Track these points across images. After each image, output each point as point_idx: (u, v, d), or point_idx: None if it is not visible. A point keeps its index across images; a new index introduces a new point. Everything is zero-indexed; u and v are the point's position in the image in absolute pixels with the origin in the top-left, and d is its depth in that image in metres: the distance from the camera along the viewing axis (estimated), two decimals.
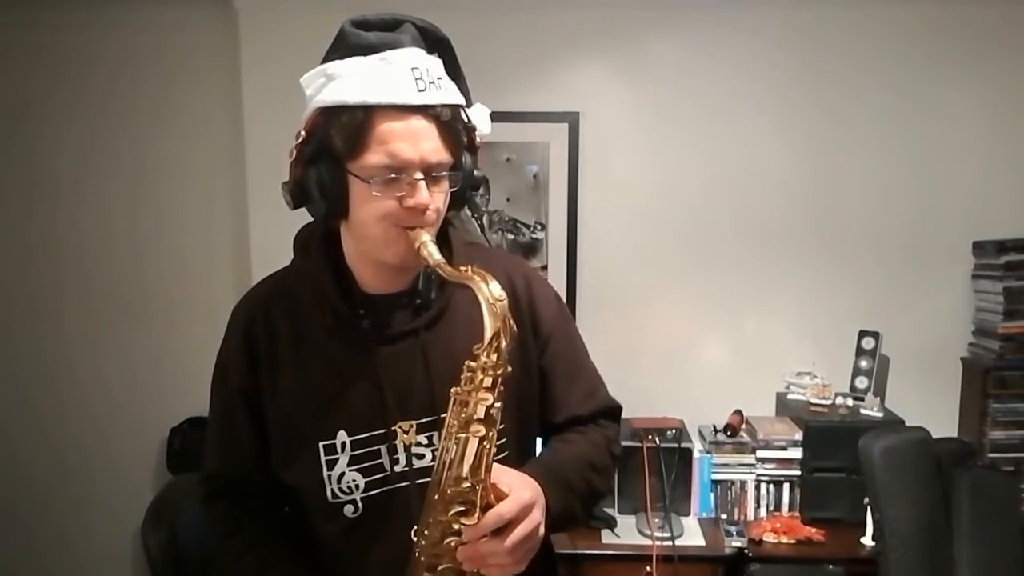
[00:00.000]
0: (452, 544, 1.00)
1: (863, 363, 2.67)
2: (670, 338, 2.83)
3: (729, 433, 2.61)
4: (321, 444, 1.10)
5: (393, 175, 1.01)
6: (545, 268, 2.78)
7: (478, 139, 1.13)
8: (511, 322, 1.00)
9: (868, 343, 2.67)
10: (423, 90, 1.01)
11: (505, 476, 1.01)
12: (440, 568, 1.02)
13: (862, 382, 2.66)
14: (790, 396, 2.75)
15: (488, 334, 0.98)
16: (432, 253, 1.02)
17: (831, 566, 2.33)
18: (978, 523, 2.04)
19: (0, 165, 2.88)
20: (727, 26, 2.71)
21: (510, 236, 2.77)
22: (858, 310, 2.77)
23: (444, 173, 1.05)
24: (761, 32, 2.71)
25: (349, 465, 1.11)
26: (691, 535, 2.45)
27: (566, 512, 1.10)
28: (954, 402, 2.75)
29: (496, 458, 1.03)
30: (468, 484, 0.97)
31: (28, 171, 2.88)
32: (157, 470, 2.88)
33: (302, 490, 1.14)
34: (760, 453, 2.57)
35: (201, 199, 2.88)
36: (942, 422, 2.66)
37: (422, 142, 1.02)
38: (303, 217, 2.80)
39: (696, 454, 2.55)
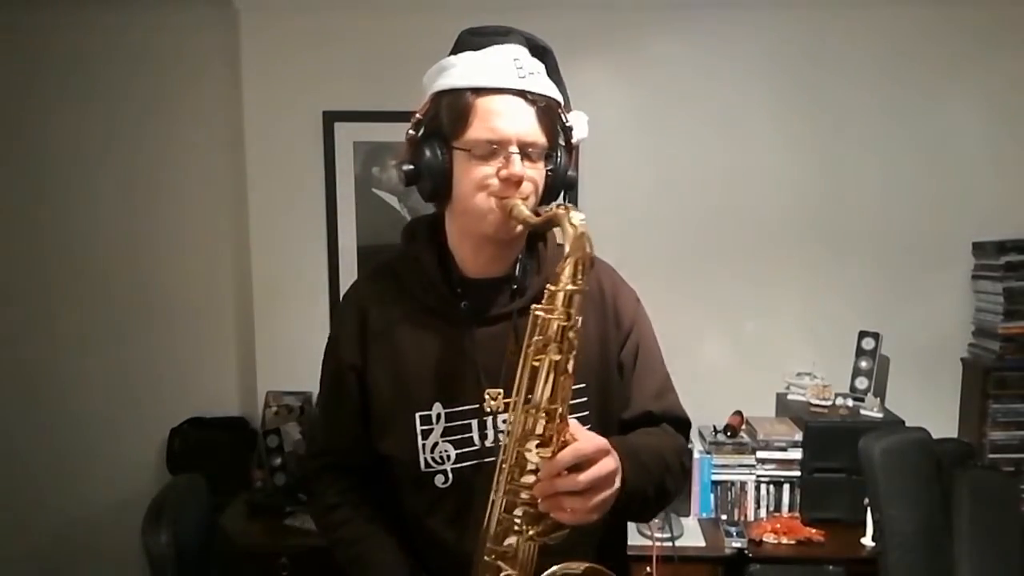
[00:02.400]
0: (530, 481, 1.05)
1: (863, 363, 2.67)
2: (670, 338, 2.81)
3: (729, 434, 2.61)
4: (417, 415, 1.18)
5: (492, 147, 1.11)
6: None
7: (575, 140, 1.22)
8: (591, 248, 1.04)
9: (868, 343, 2.67)
10: (523, 78, 1.12)
11: (582, 431, 1.06)
12: (517, 508, 1.07)
13: (862, 382, 2.66)
14: (790, 396, 2.75)
15: (567, 250, 1.03)
16: (523, 211, 1.10)
17: (831, 567, 2.33)
18: (978, 523, 2.04)
19: (0, 165, 2.88)
20: (727, 26, 2.72)
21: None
22: (858, 310, 2.77)
23: (539, 152, 1.14)
24: (761, 32, 2.71)
25: (443, 436, 1.18)
26: (691, 536, 2.45)
27: (639, 491, 1.12)
28: (954, 402, 2.76)
29: (577, 416, 1.12)
30: (545, 413, 1.03)
31: (28, 171, 2.88)
32: (157, 470, 2.88)
33: (396, 460, 1.23)
34: (760, 454, 2.57)
35: (201, 199, 2.88)
36: (942, 422, 2.66)
37: (519, 120, 1.12)
38: (302, 215, 2.82)
39: (696, 455, 2.55)
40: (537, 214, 1.14)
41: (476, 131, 1.12)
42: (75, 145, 2.86)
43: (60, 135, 2.85)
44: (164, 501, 1.78)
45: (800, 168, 2.76)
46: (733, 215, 2.78)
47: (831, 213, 2.77)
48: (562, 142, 1.20)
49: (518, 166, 1.11)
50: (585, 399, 1.21)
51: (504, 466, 1.08)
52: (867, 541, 2.37)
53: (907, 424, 2.47)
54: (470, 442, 1.19)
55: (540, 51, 1.22)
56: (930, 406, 2.69)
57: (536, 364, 1.05)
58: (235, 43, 2.74)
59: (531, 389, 1.05)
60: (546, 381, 1.04)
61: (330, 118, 2.75)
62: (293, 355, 2.75)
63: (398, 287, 1.24)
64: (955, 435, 2.69)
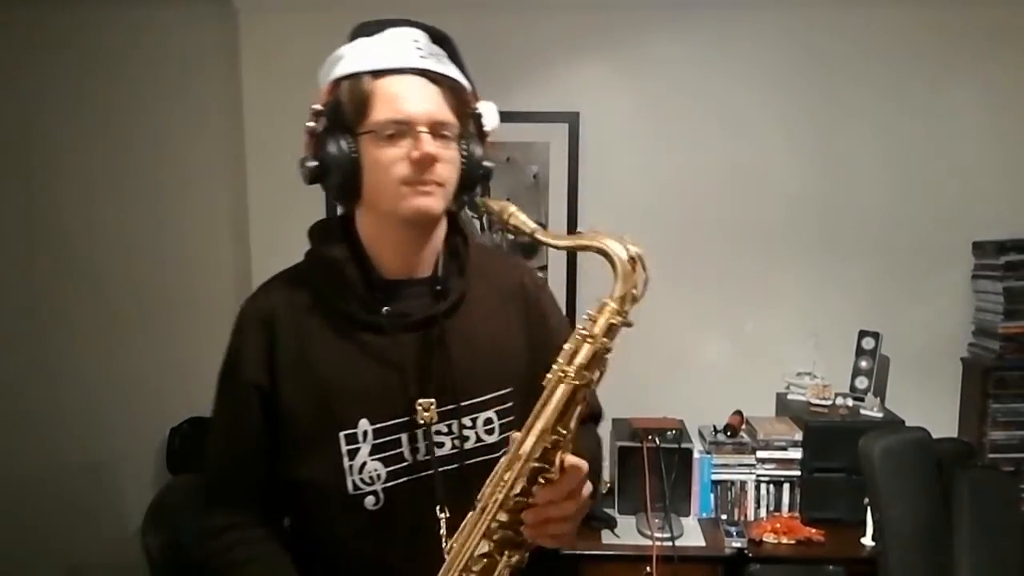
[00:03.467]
0: (518, 505, 0.99)
1: (863, 363, 2.67)
2: (670, 338, 2.83)
3: (729, 433, 2.61)
4: (342, 434, 1.09)
5: (399, 127, 1.05)
6: (545, 268, 2.78)
7: (487, 129, 1.17)
8: (644, 280, 1.05)
9: (868, 343, 2.67)
10: (424, 57, 1.07)
11: (570, 456, 1.01)
12: (497, 535, 1.01)
13: (862, 382, 2.66)
14: (790, 396, 2.75)
15: (618, 280, 1.03)
16: (526, 222, 1.05)
17: (831, 566, 2.33)
18: (978, 523, 2.04)
19: None
20: (727, 26, 2.71)
21: (510, 236, 2.76)
22: (858, 310, 2.77)
23: (452, 132, 1.08)
24: (762, 33, 2.71)
25: (371, 454, 1.10)
26: (691, 535, 2.45)
27: (592, 495, 1.09)
28: (954, 402, 2.76)
29: (506, 420, 1.12)
30: (557, 436, 0.97)
31: (27, 171, 2.88)
32: (157, 470, 2.88)
33: (317, 486, 1.11)
34: (760, 453, 2.57)
35: (201, 199, 2.88)
36: (942, 422, 2.66)
37: (424, 99, 1.06)
38: (302, 215, 2.80)
39: (696, 454, 2.55)
40: (464, 246, 1.14)
41: (380, 112, 1.05)
42: (74, 144, 2.85)
43: (59, 134, 2.85)
44: (164, 501, 1.78)
45: (800, 168, 2.76)
46: (733, 215, 2.78)
47: (831, 213, 2.77)
48: (473, 130, 1.14)
49: (429, 144, 1.04)
50: (511, 404, 1.16)
51: (498, 492, 0.99)
52: (867, 541, 2.37)
53: (907, 424, 2.47)
54: (400, 458, 1.11)
55: (440, 39, 1.14)
56: (930, 406, 2.69)
57: (564, 387, 0.98)
58: (235, 42, 2.74)
59: (541, 413, 0.98)
60: (563, 405, 0.98)
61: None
62: None
63: (310, 294, 1.14)
64: (955, 435, 2.69)
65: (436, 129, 1.06)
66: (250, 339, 1.15)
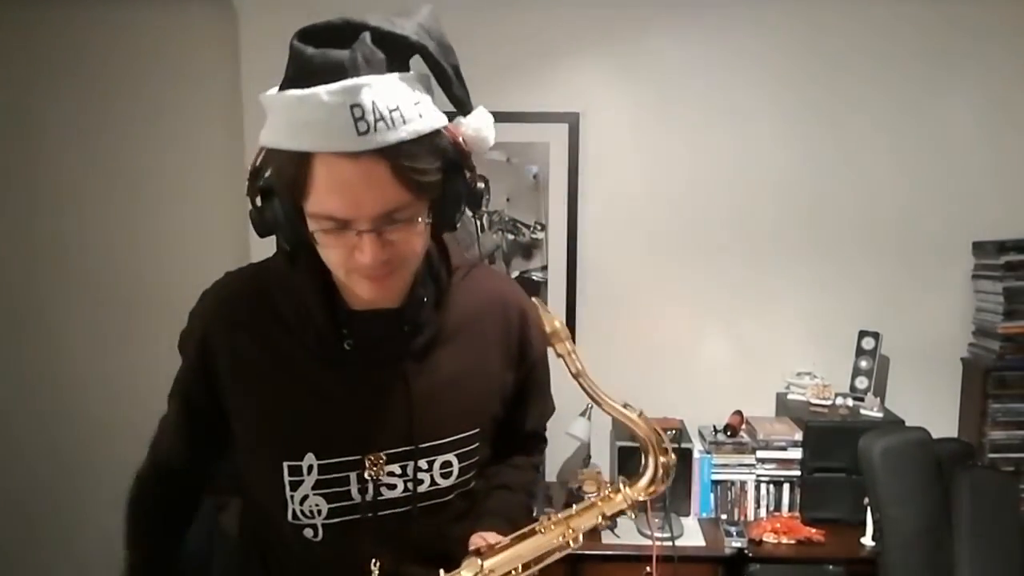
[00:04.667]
0: None
1: (863, 363, 2.67)
2: (670, 338, 2.83)
3: (729, 433, 2.61)
4: (286, 464, 1.03)
5: (338, 224, 0.90)
6: (545, 268, 2.78)
7: (473, 150, 0.99)
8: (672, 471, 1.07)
9: (868, 343, 2.67)
10: (364, 132, 0.85)
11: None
12: None
13: (862, 382, 2.66)
14: (790, 396, 2.75)
15: (650, 468, 1.07)
16: (574, 360, 1.05)
17: (831, 566, 2.33)
18: (978, 523, 2.04)
19: None
20: (726, 27, 2.71)
21: (510, 236, 2.77)
22: (858, 310, 2.77)
23: (406, 215, 0.91)
24: (762, 32, 2.71)
25: (314, 489, 1.04)
26: (691, 535, 2.46)
27: None
28: (954, 402, 2.76)
29: (467, 463, 1.11)
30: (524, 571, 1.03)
31: (27, 171, 2.88)
32: None
33: (261, 503, 1.11)
34: (760, 453, 2.57)
35: (201, 199, 2.88)
36: (942, 422, 2.67)
37: (365, 194, 0.88)
38: None
39: (696, 454, 2.55)
40: (448, 269, 1.08)
41: (315, 204, 0.89)
42: (73, 144, 2.85)
43: (58, 134, 2.85)
44: None
45: (801, 168, 2.76)
46: (733, 214, 2.78)
47: (831, 212, 2.77)
48: (446, 161, 0.95)
49: (369, 253, 0.90)
50: (476, 445, 1.11)
51: None
52: (867, 541, 2.37)
53: (907, 424, 2.47)
54: (346, 496, 1.05)
55: (405, 49, 0.91)
56: (930, 406, 2.69)
57: (551, 538, 1.04)
58: (235, 42, 2.74)
59: (518, 543, 1.04)
60: (541, 556, 1.03)
61: None
62: None
63: (266, 315, 1.04)
64: (955, 435, 2.69)
65: (384, 221, 0.90)
66: (190, 357, 1.12)
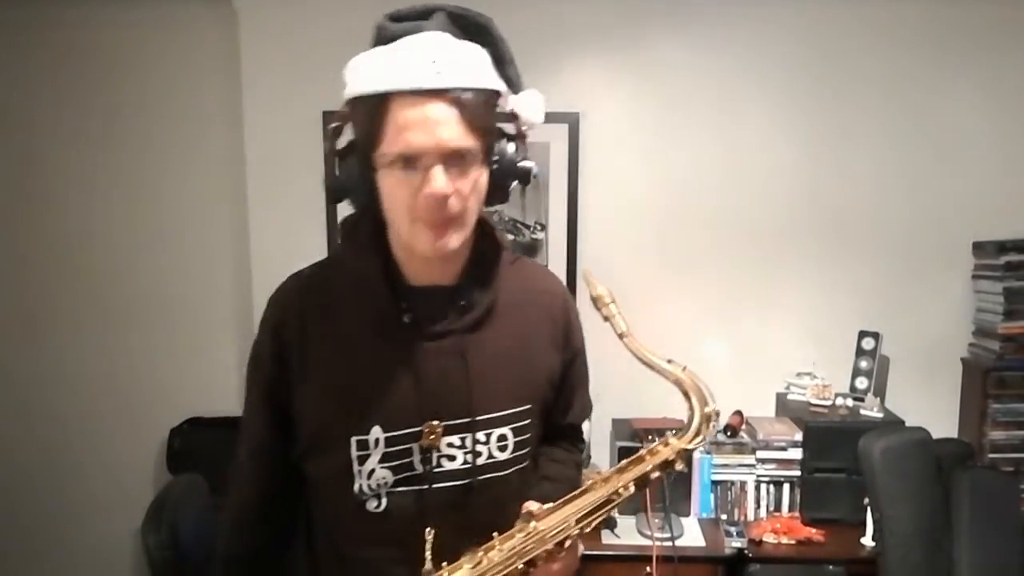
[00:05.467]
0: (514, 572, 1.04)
1: (863, 363, 2.67)
2: (670, 338, 2.81)
3: (729, 433, 2.61)
4: (354, 439, 1.08)
5: (409, 161, 0.98)
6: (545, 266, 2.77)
7: (524, 127, 1.11)
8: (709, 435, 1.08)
9: (868, 343, 2.67)
10: (440, 72, 0.97)
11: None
12: None
13: (862, 382, 2.66)
14: (790, 396, 2.75)
15: (695, 421, 1.06)
16: (619, 322, 1.08)
17: (831, 566, 2.33)
18: (978, 523, 2.04)
19: None
20: (727, 27, 2.71)
21: (510, 236, 2.77)
22: (858, 310, 2.77)
23: (472, 158, 1.01)
24: (762, 32, 2.71)
25: (381, 462, 1.09)
26: (691, 535, 2.45)
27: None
28: (954, 402, 2.76)
29: (521, 438, 1.14)
30: (578, 529, 1.04)
31: (26, 171, 2.88)
32: (157, 470, 2.88)
33: (325, 484, 1.14)
34: (760, 453, 2.57)
35: (201, 199, 2.88)
36: (942, 422, 2.67)
37: (438, 128, 0.97)
38: (302, 215, 2.80)
39: (696, 454, 2.55)
40: (495, 257, 1.14)
41: (388, 144, 0.99)
42: (73, 144, 2.85)
43: (58, 134, 2.85)
44: (164, 501, 1.77)
45: (801, 168, 2.76)
46: (733, 214, 2.78)
47: (831, 213, 2.77)
48: (504, 128, 1.09)
49: (438, 183, 0.98)
50: (528, 421, 1.16)
51: (503, 556, 1.04)
52: (867, 541, 2.37)
53: (907, 424, 2.47)
54: (410, 467, 1.10)
55: (474, 29, 1.06)
56: (930, 406, 2.69)
57: (601, 492, 1.05)
58: (235, 42, 2.74)
59: (572, 503, 1.05)
60: (594, 509, 1.05)
61: (330, 117, 2.75)
62: None
63: (330, 297, 1.12)
64: (955, 435, 2.69)
65: (451, 159, 0.99)
66: (265, 343, 1.14)
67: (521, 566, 1.03)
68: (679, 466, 1.06)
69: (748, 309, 2.82)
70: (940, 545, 2.03)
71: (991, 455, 2.58)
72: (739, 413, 2.67)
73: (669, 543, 2.34)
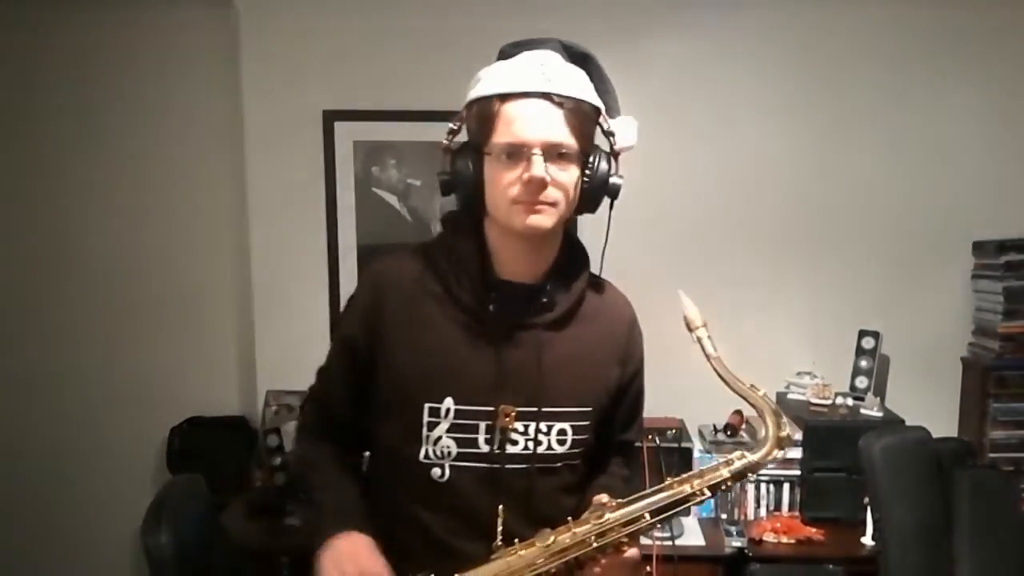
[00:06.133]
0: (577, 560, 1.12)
1: (863, 363, 2.67)
2: (670, 338, 2.81)
3: (729, 433, 2.61)
4: (427, 405, 1.19)
5: (515, 150, 1.12)
6: None
7: (618, 147, 1.24)
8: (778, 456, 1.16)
9: (868, 343, 2.67)
10: (548, 80, 1.13)
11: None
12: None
13: (862, 382, 2.66)
14: (790, 396, 2.75)
15: (768, 444, 1.14)
16: (711, 347, 1.21)
17: (831, 566, 2.33)
18: (978, 523, 2.04)
19: None
20: (726, 27, 2.72)
21: None
22: (858, 310, 2.77)
23: (570, 155, 1.14)
24: (761, 33, 2.71)
25: (448, 432, 1.19)
26: (691, 535, 2.46)
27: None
28: (954, 402, 2.76)
29: (579, 437, 1.24)
30: (648, 524, 1.13)
31: (27, 172, 2.87)
32: (157, 470, 2.88)
33: (394, 447, 1.23)
34: None
35: (201, 199, 2.88)
36: (942, 422, 2.66)
37: (542, 122, 1.12)
38: (302, 215, 2.80)
39: (696, 454, 2.55)
40: (578, 271, 1.28)
41: (499, 135, 1.13)
42: (74, 145, 2.85)
43: (59, 134, 2.85)
44: (164, 501, 1.77)
45: (801, 167, 2.76)
46: (732, 214, 2.78)
47: (831, 212, 2.77)
48: (606, 148, 1.22)
49: (538, 167, 1.11)
50: (587, 423, 1.25)
51: (570, 539, 1.11)
52: (867, 540, 2.37)
53: (907, 423, 2.47)
54: (474, 443, 1.20)
55: (580, 58, 1.24)
56: (930, 405, 2.69)
57: (679, 491, 1.13)
58: (235, 42, 2.74)
59: (647, 498, 1.13)
60: (668, 507, 1.12)
61: (330, 117, 2.75)
62: (293, 355, 2.73)
63: (432, 274, 1.24)
64: (955, 434, 2.69)
65: (551, 151, 1.12)
66: (363, 299, 1.27)
67: (594, 545, 1.10)
68: (751, 477, 1.17)
69: (748, 308, 2.82)
70: (940, 545, 2.03)
71: (991, 454, 2.58)
72: (739, 412, 2.67)
73: (669, 542, 2.34)
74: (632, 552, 1.15)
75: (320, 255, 2.80)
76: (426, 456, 1.20)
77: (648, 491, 1.14)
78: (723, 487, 1.15)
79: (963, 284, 2.76)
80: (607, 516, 1.12)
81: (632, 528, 1.12)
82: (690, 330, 1.23)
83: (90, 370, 2.92)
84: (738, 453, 1.16)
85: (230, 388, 2.91)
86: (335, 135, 2.76)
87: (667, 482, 1.15)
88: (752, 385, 1.18)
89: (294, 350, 2.75)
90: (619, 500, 1.14)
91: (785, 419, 1.17)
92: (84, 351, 2.92)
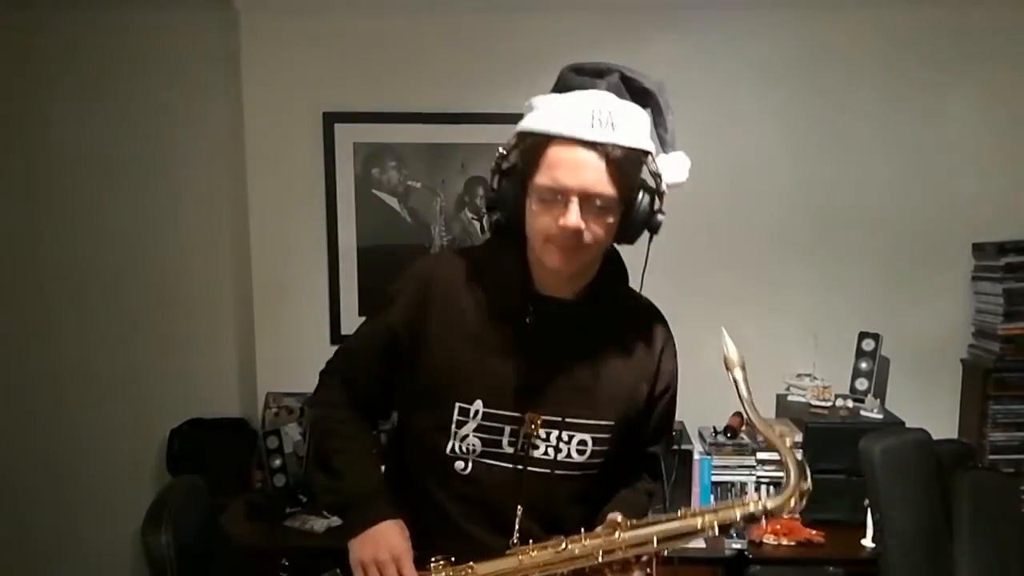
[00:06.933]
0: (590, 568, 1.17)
1: (863, 365, 2.67)
2: None
3: (729, 435, 2.61)
4: (458, 404, 1.25)
5: (554, 195, 1.15)
6: None
7: (664, 185, 1.25)
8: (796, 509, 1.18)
9: (868, 345, 2.67)
10: (594, 127, 1.14)
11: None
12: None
13: (862, 384, 2.66)
14: (790, 398, 2.75)
15: (777, 500, 1.16)
16: (745, 391, 1.24)
17: (831, 568, 2.33)
18: (978, 524, 2.03)
19: (0, 165, 2.88)
20: (726, 28, 2.72)
21: None
22: (858, 312, 2.77)
23: (606, 205, 1.17)
24: (762, 34, 2.71)
25: (475, 431, 1.25)
26: None
27: None
28: (954, 404, 2.76)
29: (599, 448, 1.28)
30: (658, 548, 1.16)
31: (27, 172, 2.88)
32: (157, 470, 2.88)
33: (422, 438, 1.29)
34: (760, 455, 2.57)
35: (201, 200, 2.89)
36: (942, 423, 2.66)
37: (584, 172, 1.15)
38: (302, 216, 2.80)
39: (696, 456, 2.55)
40: (615, 289, 1.31)
41: (542, 177, 1.16)
42: (74, 145, 2.86)
43: (59, 135, 2.86)
44: (164, 501, 1.77)
45: (800, 168, 2.76)
46: (733, 216, 2.78)
47: (831, 213, 2.77)
48: (645, 183, 1.24)
49: (573, 217, 1.14)
50: (608, 436, 1.29)
51: (586, 548, 1.16)
52: (867, 542, 2.37)
53: (907, 425, 2.47)
54: (499, 444, 1.25)
55: (640, 92, 1.25)
56: (930, 407, 2.69)
57: (693, 521, 1.16)
58: (235, 44, 2.74)
59: (662, 523, 1.16)
60: (680, 535, 1.16)
61: (330, 119, 2.75)
62: (293, 356, 2.75)
63: (475, 280, 1.29)
64: (955, 436, 2.68)
65: (590, 200, 1.15)
66: (409, 291, 1.30)
67: (601, 559, 1.14)
68: (762, 522, 1.19)
69: (748, 310, 2.81)
70: (940, 546, 2.03)
71: (991, 456, 2.57)
72: (739, 415, 2.67)
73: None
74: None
75: (320, 256, 2.80)
76: (452, 450, 1.26)
77: (661, 517, 1.18)
78: (733, 528, 1.17)
79: (963, 286, 2.76)
80: (618, 535, 1.15)
81: (638, 551, 1.15)
82: (728, 369, 1.25)
83: (90, 371, 2.92)
84: (755, 499, 1.19)
85: (230, 390, 2.91)
86: (335, 137, 2.76)
87: (680, 512, 1.18)
88: (781, 433, 1.22)
89: (294, 352, 2.76)
90: (632, 521, 1.17)
91: (808, 471, 1.18)
92: (84, 352, 2.93)
